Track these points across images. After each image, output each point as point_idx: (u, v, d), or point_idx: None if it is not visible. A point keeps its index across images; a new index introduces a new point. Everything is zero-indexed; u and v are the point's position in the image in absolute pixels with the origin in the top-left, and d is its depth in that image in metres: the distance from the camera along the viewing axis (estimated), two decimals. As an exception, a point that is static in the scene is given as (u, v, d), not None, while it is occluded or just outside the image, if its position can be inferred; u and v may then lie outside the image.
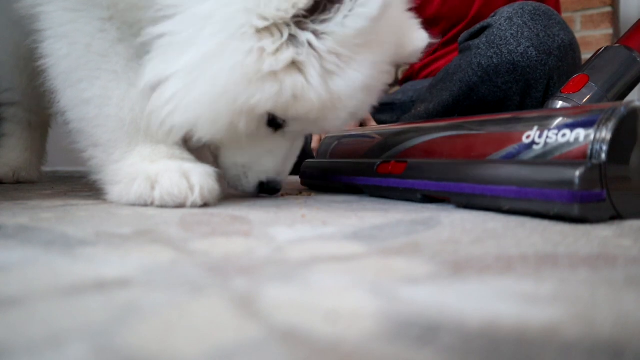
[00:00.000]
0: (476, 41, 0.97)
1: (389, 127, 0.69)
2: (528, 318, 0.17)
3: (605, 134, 0.37)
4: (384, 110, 1.26)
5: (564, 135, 0.41)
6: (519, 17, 0.91)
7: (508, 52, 0.91)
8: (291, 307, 0.18)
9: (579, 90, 0.68)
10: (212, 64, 0.43)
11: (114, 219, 0.38)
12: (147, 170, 0.47)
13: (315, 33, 0.44)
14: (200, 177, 0.47)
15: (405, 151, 0.59)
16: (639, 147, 0.39)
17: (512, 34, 0.91)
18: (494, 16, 0.97)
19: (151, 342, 0.15)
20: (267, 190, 0.55)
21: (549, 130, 0.42)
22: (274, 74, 0.44)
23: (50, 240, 0.29)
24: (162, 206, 0.46)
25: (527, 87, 0.94)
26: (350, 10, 0.42)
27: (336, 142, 0.77)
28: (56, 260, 0.25)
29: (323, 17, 0.43)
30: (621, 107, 0.38)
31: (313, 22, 0.44)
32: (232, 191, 0.60)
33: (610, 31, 1.98)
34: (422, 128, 0.60)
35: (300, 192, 0.68)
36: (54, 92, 0.53)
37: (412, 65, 1.38)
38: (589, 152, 0.38)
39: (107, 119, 0.50)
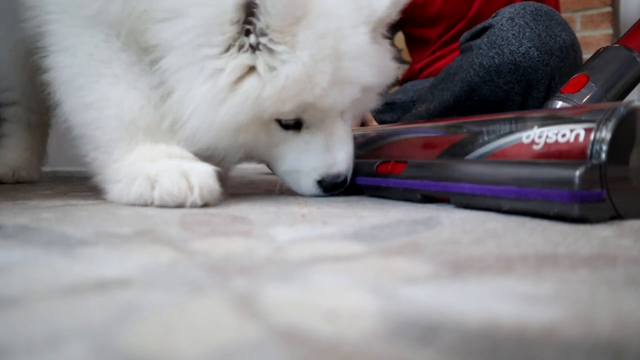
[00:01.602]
0: (477, 41, 0.97)
1: (388, 127, 0.69)
2: (528, 318, 0.17)
3: (605, 134, 0.37)
4: (384, 110, 1.26)
5: (563, 135, 0.41)
6: (520, 17, 0.91)
7: (510, 52, 0.91)
8: (291, 307, 0.18)
9: (579, 90, 0.68)
10: (188, 101, 0.48)
11: (114, 219, 0.38)
12: (147, 170, 0.48)
13: (255, 31, 0.48)
14: (199, 177, 0.47)
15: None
16: (639, 147, 0.39)
17: (513, 34, 0.91)
18: (495, 16, 0.97)
19: (151, 342, 0.15)
20: (330, 187, 0.56)
21: (549, 130, 0.42)
22: (230, 87, 0.47)
23: (50, 240, 0.29)
24: (162, 206, 0.46)
25: (529, 87, 0.94)
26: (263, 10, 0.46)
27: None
28: (56, 260, 0.25)
29: (253, 17, 0.47)
30: (621, 107, 0.38)
31: (250, 24, 0.48)
32: (233, 191, 0.60)
33: (610, 31, 1.98)
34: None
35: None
36: (58, 102, 0.54)
37: (412, 65, 1.38)
38: (588, 152, 0.38)
39: (107, 120, 0.51)
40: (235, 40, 0.48)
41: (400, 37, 2.83)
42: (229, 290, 0.20)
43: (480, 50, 0.96)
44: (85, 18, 0.52)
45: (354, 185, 0.63)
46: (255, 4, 0.46)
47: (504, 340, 0.15)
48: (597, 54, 0.72)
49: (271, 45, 0.47)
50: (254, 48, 0.48)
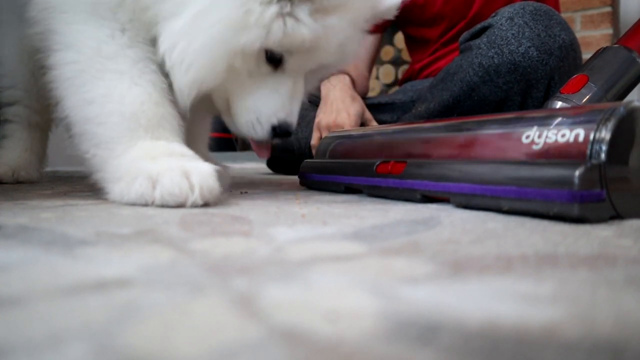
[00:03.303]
0: (477, 41, 0.97)
1: (388, 127, 0.69)
2: (528, 318, 0.17)
3: (605, 134, 0.37)
4: (384, 110, 1.26)
5: (563, 135, 0.41)
6: (520, 17, 0.91)
7: (509, 52, 0.91)
8: (291, 307, 0.18)
9: (578, 90, 0.68)
10: (203, 20, 0.49)
11: (114, 219, 0.38)
12: (148, 169, 0.48)
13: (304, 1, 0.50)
14: (200, 177, 0.47)
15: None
16: (638, 147, 0.39)
17: (513, 34, 0.91)
18: (494, 16, 0.97)
19: (151, 342, 0.15)
20: (281, 133, 0.58)
21: (549, 130, 0.42)
22: (260, 23, 0.49)
23: (50, 240, 0.29)
24: (163, 205, 0.46)
25: (528, 87, 0.94)
26: None
27: (335, 142, 0.77)
28: (56, 260, 0.25)
29: None
30: (620, 107, 0.38)
31: None
32: (233, 191, 0.59)
33: (610, 31, 1.98)
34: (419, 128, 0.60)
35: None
36: (60, 99, 0.55)
37: (412, 65, 1.38)
38: (588, 152, 0.38)
39: (109, 116, 0.52)
40: None
41: (400, 37, 2.83)
42: (229, 290, 0.20)
43: (480, 50, 0.96)
44: (87, 13, 0.53)
45: (354, 185, 0.63)
46: None
47: (504, 340, 0.15)
48: (597, 54, 0.72)
49: (318, 6, 0.51)
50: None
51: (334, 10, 0.52)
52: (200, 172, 0.48)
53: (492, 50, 0.93)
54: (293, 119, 0.58)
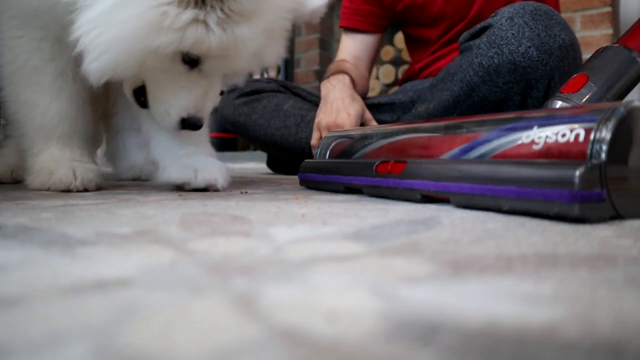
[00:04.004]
0: (477, 41, 0.97)
1: (388, 127, 0.69)
2: (528, 318, 0.17)
3: (605, 133, 0.37)
4: (384, 110, 1.26)
5: (563, 135, 0.41)
6: (519, 17, 0.91)
7: (509, 52, 0.91)
8: (291, 307, 0.18)
9: (578, 90, 0.68)
10: (119, 13, 0.51)
11: (114, 219, 0.38)
12: (49, 166, 0.64)
13: (215, 6, 0.52)
14: (82, 171, 0.64)
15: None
16: (638, 146, 0.39)
17: (513, 34, 0.91)
18: (494, 16, 0.97)
19: (151, 342, 0.15)
20: (189, 125, 0.61)
21: (548, 130, 0.42)
22: (174, 27, 0.51)
23: (50, 240, 0.29)
24: (55, 189, 0.63)
25: (528, 87, 0.94)
26: None
27: (335, 142, 0.77)
28: (56, 260, 0.25)
29: None
30: (621, 107, 0.38)
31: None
32: (233, 191, 0.59)
33: (610, 31, 1.98)
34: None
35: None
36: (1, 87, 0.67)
37: (412, 65, 1.38)
38: (588, 152, 0.38)
39: (33, 121, 0.66)
40: (193, 2, 0.52)
41: (400, 37, 2.83)
42: (229, 290, 0.20)
43: (480, 50, 0.96)
44: (18, 25, 0.62)
45: (353, 185, 0.63)
46: None
47: (504, 340, 0.15)
48: (597, 53, 0.72)
49: (228, 12, 0.53)
50: (205, 5, 0.52)
51: (244, 20, 0.54)
52: (83, 168, 0.64)
53: (492, 50, 0.93)
54: (203, 114, 0.62)
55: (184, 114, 0.60)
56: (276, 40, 0.61)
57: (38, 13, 0.60)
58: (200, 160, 0.67)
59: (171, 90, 0.59)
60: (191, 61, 0.57)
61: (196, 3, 0.52)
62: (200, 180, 0.65)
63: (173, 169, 0.66)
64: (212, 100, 0.63)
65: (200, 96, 0.60)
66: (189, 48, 0.54)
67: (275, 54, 0.63)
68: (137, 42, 0.51)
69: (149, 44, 0.52)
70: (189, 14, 0.51)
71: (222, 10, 0.52)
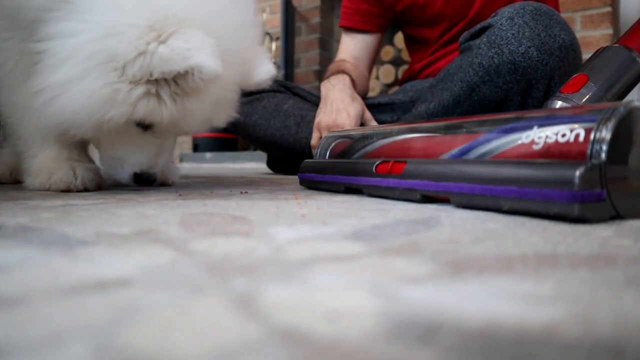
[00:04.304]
0: (477, 41, 0.97)
1: (388, 127, 0.69)
2: (528, 318, 0.17)
3: (605, 133, 0.37)
4: (384, 110, 1.26)
5: (563, 135, 0.41)
6: (520, 17, 0.91)
7: (509, 52, 0.91)
8: (291, 307, 0.18)
9: (578, 90, 0.68)
10: (74, 85, 0.53)
11: (114, 219, 0.38)
12: (48, 167, 0.65)
13: (166, 84, 0.55)
14: (82, 171, 0.65)
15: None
16: (638, 146, 0.39)
17: (513, 34, 0.91)
18: (494, 16, 0.97)
19: (151, 342, 0.15)
20: (142, 181, 0.64)
21: (548, 130, 0.42)
22: (127, 102, 0.54)
23: (50, 240, 0.29)
24: (56, 189, 0.63)
25: (528, 87, 0.94)
26: (193, 76, 0.53)
27: (335, 142, 0.77)
28: (56, 260, 0.25)
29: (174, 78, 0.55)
30: (621, 107, 0.38)
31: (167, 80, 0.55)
32: (233, 190, 0.59)
33: (610, 31, 1.98)
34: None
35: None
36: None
37: (412, 65, 1.38)
38: (588, 152, 0.38)
39: (28, 124, 0.66)
40: (145, 81, 0.54)
41: (400, 37, 2.82)
42: (229, 290, 0.20)
43: (480, 50, 0.96)
44: (6, 24, 0.62)
45: (353, 185, 0.63)
46: (182, 73, 0.53)
47: (504, 340, 0.15)
48: (597, 53, 0.72)
49: (179, 91, 0.56)
50: (158, 82, 0.55)
51: (195, 95, 0.57)
52: (83, 168, 0.66)
53: (492, 50, 0.93)
54: (156, 170, 0.65)
55: (137, 170, 0.63)
56: (224, 108, 0.65)
57: (21, 12, 0.60)
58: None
59: (124, 149, 0.62)
60: (144, 126, 0.60)
61: (149, 80, 0.54)
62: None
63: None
64: (165, 155, 0.66)
65: (153, 153, 0.63)
66: (141, 118, 0.56)
67: (223, 118, 0.67)
68: (90, 113, 0.54)
69: (101, 117, 0.54)
70: (141, 89, 0.54)
71: (175, 85, 0.55)
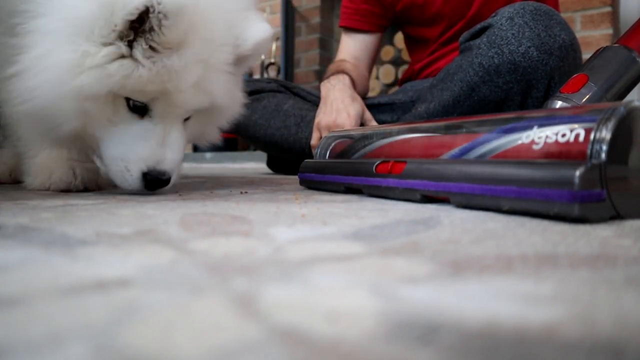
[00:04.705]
0: (477, 41, 0.97)
1: (388, 127, 0.69)
2: (528, 318, 0.17)
3: (605, 133, 0.37)
4: (384, 110, 1.26)
5: (563, 135, 0.41)
6: (520, 17, 0.91)
7: (509, 52, 0.91)
8: (291, 307, 0.18)
9: (578, 90, 0.68)
10: (43, 62, 0.51)
11: (114, 219, 0.38)
12: (48, 166, 0.66)
13: (140, 41, 0.52)
14: (82, 171, 0.65)
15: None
16: (638, 146, 0.39)
17: (513, 34, 0.91)
18: (494, 16, 0.97)
19: (151, 342, 0.15)
20: (152, 181, 0.57)
21: (548, 130, 0.42)
22: (96, 64, 0.51)
23: (50, 240, 0.29)
24: (56, 189, 0.64)
25: (528, 87, 0.94)
26: (159, 21, 0.50)
27: (335, 142, 0.77)
28: (56, 260, 0.25)
29: (142, 28, 0.52)
30: (621, 107, 0.38)
31: (138, 35, 0.52)
32: (232, 190, 0.59)
33: (610, 31, 1.98)
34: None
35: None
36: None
37: (412, 66, 1.38)
38: (588, 152, 0.38)
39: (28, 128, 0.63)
40: (114, 38, 0.52)
41: (400, 37, 2.82)
42: (229, 290, 0.20)
43: (480, 50, 0.96)
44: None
45: (353, 185, 0.63)
46: (146, 18, 0.51)
47: (504, 340, 0.15)
48: (597, 53, 0.72)
49: (153, 45, 0.52)
50: (131, 41, 0.52)
51: (173, 51, 0.53)
52: (83, 168, 0.66)
53: (492, 50, 0.93)
54: (165, 166, 0.57)
55: (144, 167, 0.56)
56: (218, 73, 0.59)
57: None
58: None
59: (124, 142, 0.57)
60: (139, 109, 0.56)
61: (119, 39, 0.52)
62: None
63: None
64: (176, 151, 0.59)
65: (156, 145, 0.57)
66: (121, 86, 0.52)
67: (222, 87, 0.60)
68: (62, 84, 0.51)
69: (74, 85, 0.51)
70: (110, 49, 0.51)
71: (147, 44, 0.52)
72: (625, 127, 0.38)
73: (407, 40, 1.40)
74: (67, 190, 0.64)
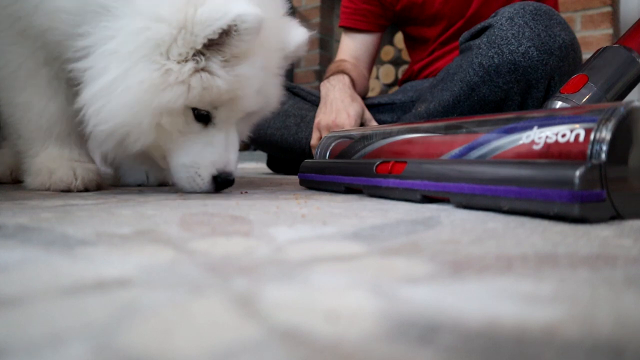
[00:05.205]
0: (477, 41, 0.97)
1: (388, 127, 0.69)
2: (528, 318, 0.17)
3: (605, 134, 0.37)
4: (384, 110, 1.26)
5: (563, 135, 0.41)
6: (520, 17, 0.91)
7: (509, 52, 0.91)
8: (291, 307, 0.18)
9: (578, 90, 0.68)
10: (122, 82, 0.53)
11: (114, 219, 0.38)
12: (49, 166, 0.66)
13: (213, 54, 0.55)
14: (82, 171, 0.66)
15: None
16: (638, 147, 0.39)
17: (513, 34, 0.91)
18: (494, 16, 0.97)
19: (151, 342, 0.15)
20: (222, 183, 0.61)
21: (549, 130, 0.42)
22: (179, 80, 0.54)
23: (50, 240, 0.29)
24: (56, 189, 0.64)
25: (528, 87, 0.94)
26: (237, 33, 0.53)
27: (335, 142, 0.77)
28: (56, 260, 0.25)
29: (219, 44, 0.54)
30: (621, 107, 0.38)
31: (211, 47, 0.55)
32: (233, 191, 0.59)
33: (610, 31, 1.98)
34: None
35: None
36: None
37: (411, 66, 1.38)
38: (588, 152, 0.38)
39: (29, 123, 0.67)
40: (192, 55, 0.54)
41: (400, 37, 2.82)
42: (229, 290, 0.20)
43: (480, 50, 0.96)
44: (11, 34, 0.63)
45: (353, 185, 0.63)
46: (225, 35, 0.53)
47: (504, 340, 0.15)
48: (597, 54, 0.72)
49: (226, 56, 0.55)
50: (204, 54, 0.55)
51: (243, 59, 0.56)
52: (83, 168, 0.66)
53: (492, 50, 0.93)
54: (231, 167, 0.62)
55: (214, 171, 0.60)
56: (275, 77, 0.64)
57: (48, 34, 0.60)
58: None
59: (194, 151, 0.60)
60: (203, 117, 0.59)
61: (194, 55, 0.54)
62: (152, 179, 0.79)
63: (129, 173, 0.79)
64: (234, 152, 0.63)
65: (222, 149, 0.61)
66: (198, 98, 0.55)
67: (276, 91, 0.65)
68: (143, 102, 0.53)
69: (157, 103, 0.53)
70: (190, 64, 0.54)
71: (222, 56, 0.55)
72: (625, 127, 0.38)
73: (407, 40, 1.40)
74: (67, 191, 0.64)
